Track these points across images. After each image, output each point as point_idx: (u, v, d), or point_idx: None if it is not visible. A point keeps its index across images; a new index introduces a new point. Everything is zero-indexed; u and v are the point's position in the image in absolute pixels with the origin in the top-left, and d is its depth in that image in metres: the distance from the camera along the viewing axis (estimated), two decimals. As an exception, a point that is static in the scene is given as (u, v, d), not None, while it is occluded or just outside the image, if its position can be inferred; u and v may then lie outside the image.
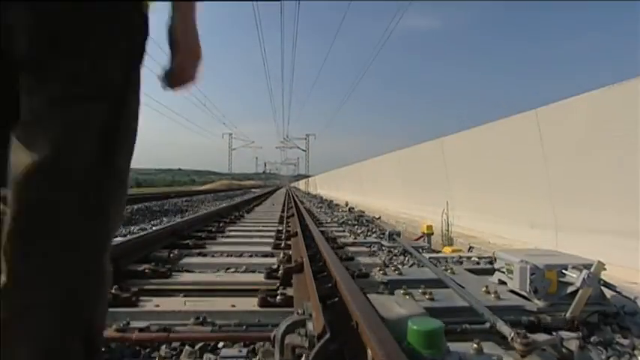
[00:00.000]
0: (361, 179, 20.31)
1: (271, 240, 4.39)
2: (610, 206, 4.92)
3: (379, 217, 12.74)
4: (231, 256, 3.56)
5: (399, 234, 4.40)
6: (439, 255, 3.65)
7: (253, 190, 35.00)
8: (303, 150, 49.43)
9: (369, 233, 5.53)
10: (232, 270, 3.03)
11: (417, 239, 8.40)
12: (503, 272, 2.37)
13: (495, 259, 2.53)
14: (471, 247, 6.55)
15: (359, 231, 5.61)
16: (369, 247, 4.20)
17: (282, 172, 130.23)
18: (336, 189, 30.84)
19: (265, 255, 3.64)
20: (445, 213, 7.58)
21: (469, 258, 3.54)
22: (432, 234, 6.68)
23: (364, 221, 6.72)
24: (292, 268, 2.50)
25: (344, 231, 5.54)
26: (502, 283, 2.44)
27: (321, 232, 4.21)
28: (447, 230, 7.32)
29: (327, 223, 6.32)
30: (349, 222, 6.53)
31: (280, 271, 2.59)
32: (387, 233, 4.49)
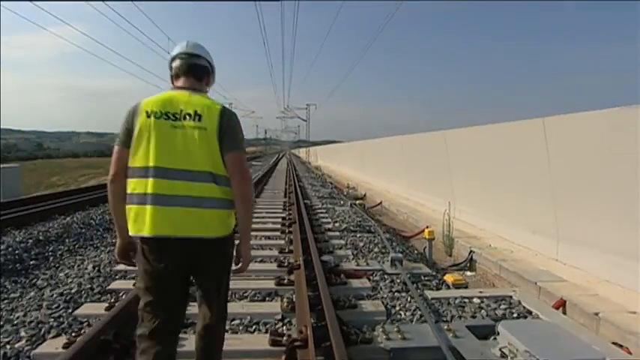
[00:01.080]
0: (363, 157, 20.22)
1: (274, 267, 4.42)
2: (610, 221, 4.93)
3: (380, 202, 12.81)
4: (235, 296, 3.59)
5: (400, 261, 4.41)
6: (441, 295, 3.66)
7: (254, 163, 34.92)
8: (304, 120, 48.92)
9: (371, 247, 5.55)
10: (237, 322, 3.07)
11: (416, 234, 8.49)
12: (506, 354, 2.39)
13: (498, 333, 2.55)
14: (471, 252, 6.62)
15: (361, 244, 5.63)
16: (372, 275, 4.23)
17: (283, 139, 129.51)
18: (337, 163, 30.82)
19: (269, 294, 3.68)
20: (447, 213, 7.58)
21: (471, 300, 3.55)
22: (434, 239, 6.74)
23: (366, 226, 6.73)
24: (297, 343, 2.52)
25: (346, 245, 5.56)
26: (504, 355, 2.47)
27: (323, 262, 4.20)
28: (449, 232, 7.36)
29: (328, 231, 6.34)
30: (351, 228, 6.55)
31: (285, 338, 2.63)
32: (390, 258, 4.51)
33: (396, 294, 3.74)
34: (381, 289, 3.88)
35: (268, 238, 5.85)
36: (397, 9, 13.18)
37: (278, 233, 6.11)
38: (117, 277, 4.14)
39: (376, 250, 5.43)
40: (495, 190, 7.67)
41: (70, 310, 3.19)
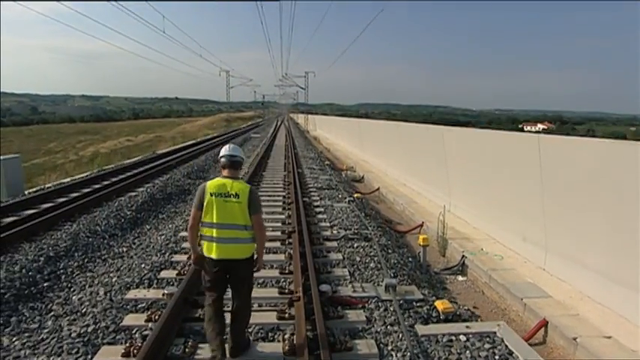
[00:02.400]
0: (361, 136, 20.25)
1: (276, 293, 4.69)
2: (596, 240, 5.19)
3: (378, 189, 13.05)
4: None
5: (394, 287, 4.69)
6: (430, 332, 3.94)
7: (253, 135, 34.76)
8: (302, 88, 48.21)
9: (367, 260, 5.82)
10: (241, 367, 3.37)
11: (411, 230, 8.79)
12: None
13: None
14: (463, 256, 6.91)
15: (358, 258, 5.90)
16: (367, 303, 4.51)
17: (282, 102, 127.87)
18: (335, 135, 30.85)
19: (272, 329, 3.97)
20: (442, 215, 7.82)
21: (457, 337, 3.84)
22: (428, 245, 7.01)
23: (363, 233, 6.98)
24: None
25: (343, 260, 5.83)
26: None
27: (320, 293, 4.46)
28: (443, 233, 7.64)
29: (327, 241, 6.60)
30: (349, 236, 6.80)
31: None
32: (384, 283, 4.79)
33: (389, 327, 4.03)
34: (375, 320, 4.17)
35: (268, 251, 6.09)
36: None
37: (278, 244, 6.36)
38: (128, 306, 4.41)
39: (372, 264, 5.70)
40: (491, 191, 7.87)
41: (89, 356, 3.47)
